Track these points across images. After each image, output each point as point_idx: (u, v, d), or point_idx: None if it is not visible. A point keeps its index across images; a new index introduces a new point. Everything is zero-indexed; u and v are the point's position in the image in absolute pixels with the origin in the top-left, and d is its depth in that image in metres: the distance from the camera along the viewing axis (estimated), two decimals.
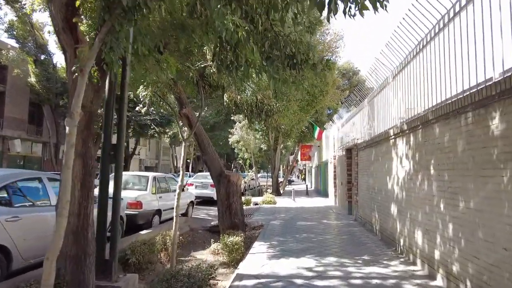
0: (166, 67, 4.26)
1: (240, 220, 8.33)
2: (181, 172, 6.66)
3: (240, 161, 27.82)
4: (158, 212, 9.11)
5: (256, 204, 17.63)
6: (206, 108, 24.24)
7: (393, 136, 6.69)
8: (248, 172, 18.49)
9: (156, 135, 30.53)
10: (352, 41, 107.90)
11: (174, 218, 6.47)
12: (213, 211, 13.37)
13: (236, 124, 21.20)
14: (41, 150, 28.80)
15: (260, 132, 26.35)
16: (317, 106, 22.90)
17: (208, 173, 17.83)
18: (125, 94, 5.30)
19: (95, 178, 4.49)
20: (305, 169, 60.30)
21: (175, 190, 11.04)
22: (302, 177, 62.84)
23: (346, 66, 34.65)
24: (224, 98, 6.70)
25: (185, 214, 11.19)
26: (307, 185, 24.04)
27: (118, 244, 5.10)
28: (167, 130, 35.51)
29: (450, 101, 4.21)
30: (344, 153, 12.86)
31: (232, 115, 21.98)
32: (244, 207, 15.93)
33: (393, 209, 6.62)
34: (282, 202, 17.46)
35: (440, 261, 4.44)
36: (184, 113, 8.77)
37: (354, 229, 8.91)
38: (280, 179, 38.32)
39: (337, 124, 15.14)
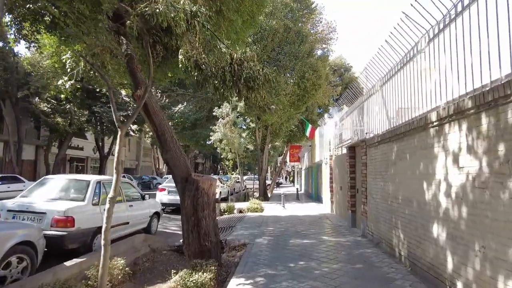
0: None
1: (213, 243, 6.01)
2: (114, 177, 4.31)
3: (227, 163, 25.56)
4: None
5: (241, 211, 15.32)
6: (185, 103, 21.84)
7: (436, 122, 4.50)
8: (231, 174, 16.16)
9: (133, 133, 27.85)
10: (343, 37, 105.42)
11: (102, 249, 4.13)
12: None
13: (219, 120, 18.86)
14: (1, 150, 25.83)
15: (246, 131, 24.09)
16: (308, 101, 20.78)
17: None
18: None
19: None
20: (293, 171, 58.24)
21: (135, 198, 8.65)
22: (291, 179, 60.78)
23: (338, 61, 32.73)
24: (179, 57, 4.36)
25: (147, 230, 8.79)
26: (297, 189, 21.87)
27: None
28: (146, 129, 32.96)
29: None
30: (345, 152, 10.70)
31: (213, 108, 19.71)
32: (226, 216, 13.60)
33: (438, 231, 4.41)
34: (271, 209, 15.19)
35: None
36: (139, 95, 6.45)
37: (367, 251, 6.69)
38: (268, 182, 36.13)
39: (335, 119, 12.98)
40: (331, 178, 13.49)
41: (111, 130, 25.19)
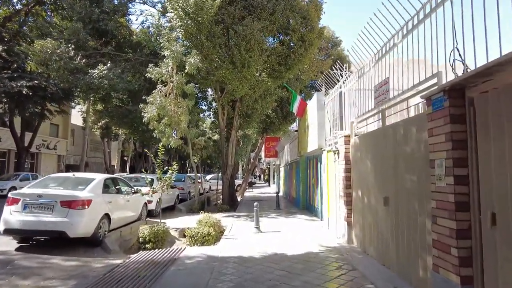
0: None
1: None
2: None
3: (196, 160, 18.53)
4: None
5: (185, 234, 8.77)
6: (109, 64, 14.69)
7: None
8: (161, 171, 8.97)
9: (47, 114, 20.29)
10: (330, 8, 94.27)
11: None
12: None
13: (157, 88, 11.99)
14: None
15: (206, 112, 17.44)
16: (294, 67, 14.23)
17: (70, 176, 8.52)
18: None
19: None
20: (268, 168, 51.79)
21: None
22: (265, 178, 54.41)
23: (325, 34, 26.53)
24: None
25: None
26: (277, 193, 15.45)
27: None
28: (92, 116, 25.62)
29: None
30: (420, 110, 4.36)
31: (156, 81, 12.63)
32: (141, 256, 6.48)
33: None
34: (235, 233, 8.61)
35: None
36: None
37: None
38: (238, 181, 29.46)
39: (368, 61, 6.54)
40: (347, 179, 7.09)
41: (9, 107, 17.65)
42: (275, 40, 14.15)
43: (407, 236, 4.52)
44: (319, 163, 10.61)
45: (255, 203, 9.01)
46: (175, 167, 8.26)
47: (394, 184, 4.98)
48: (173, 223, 10.54)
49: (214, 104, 17.83)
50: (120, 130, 36.42)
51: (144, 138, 17.33)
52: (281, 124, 23.10)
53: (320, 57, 25.96)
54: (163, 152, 8.16)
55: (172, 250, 6.73)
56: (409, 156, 4.48)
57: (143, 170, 48.70)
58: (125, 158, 45.40)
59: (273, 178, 39.69)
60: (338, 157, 7.61)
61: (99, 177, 8.11)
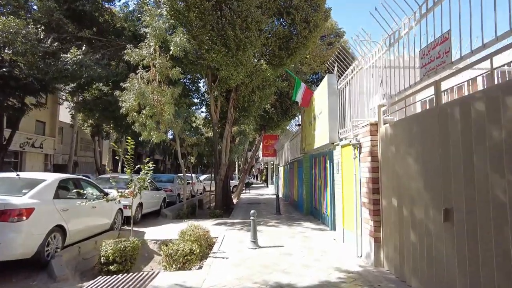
0: None
1: None
2: None
3: (193, 159, 16.72)
4: None
5: (162, 248, 6.96)
6: (84, 48, 12.86)
7: None
8: (129, 169, 7.19)
9: (26, 108, 18.37)
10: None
11: None
12: None
13: (138, 73, 10.20)
14: None
15: (199, 106, 15.68)
16: (296, 53, 12.56)
17: (13, 176, 6.69)
18: None
19: None
20: (265, 168, 49.99)
21: None
22: (263, 178, 52.63)
23: (328, 25, 24.83)
24: None
25: None
26: (277, 195, 13.70)
27: None
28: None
29: None
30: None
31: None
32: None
33: None
34: (226, 248, 6.84)
35: None
36: None
37: None
38: (235, 182, 27.73)
39: (407, 20, 4.79)
40: (374, 181, 5.35)
41: None
42: (276, 21, 12.38)
43: (501, 274, 2.78)
44: (328, 161, 8.87)
45: (252, 211, 7.24)
46: (149, 165, 6.47)
47: (463, 190, 3.24)
48: (154, 233, 8.78)
49: (207, 96, 16.09)
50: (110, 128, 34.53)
51: (129, 134, 15.50)
52: (281, 120, 21.36)
53: (323, 48, 24.27)
54: (133, 147, 6.37)
55: (140, 277, 4.96)
56: (503, 146, 2.75)
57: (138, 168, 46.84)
58: (117, 157, 43.39)
59: (271, 179, 37.95)
60: (360, 153, 5.86)
61: (52, 178, 6.34)
